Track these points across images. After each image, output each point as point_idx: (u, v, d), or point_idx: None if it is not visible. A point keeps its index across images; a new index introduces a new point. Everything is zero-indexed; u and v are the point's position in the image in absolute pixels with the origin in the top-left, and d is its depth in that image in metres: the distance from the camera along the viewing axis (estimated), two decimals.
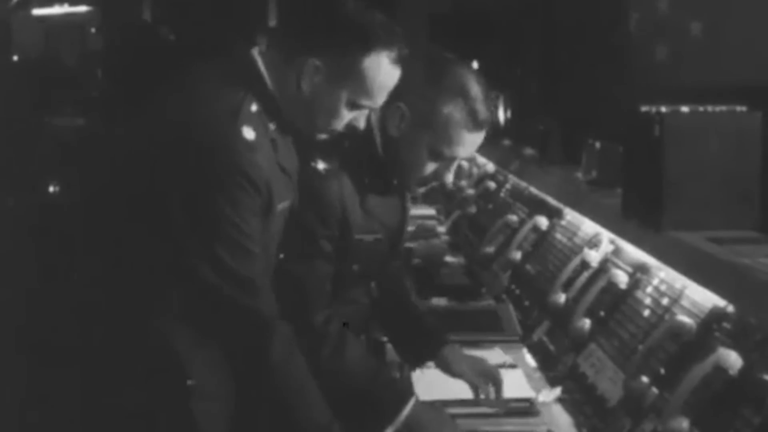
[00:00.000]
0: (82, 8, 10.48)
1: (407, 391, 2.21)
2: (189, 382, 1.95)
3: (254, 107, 1.94)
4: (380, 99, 2.03)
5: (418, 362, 2.47)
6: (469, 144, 2.22)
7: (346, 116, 2.02)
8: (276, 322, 1.95)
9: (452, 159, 2.23)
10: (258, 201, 1.92)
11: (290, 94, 1.98)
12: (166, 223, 1.89)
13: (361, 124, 2.06)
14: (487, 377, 2.34)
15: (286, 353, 1.94)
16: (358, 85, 1.97)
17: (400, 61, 2.00)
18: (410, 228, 3.89)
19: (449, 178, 2.28)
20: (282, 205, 2.00)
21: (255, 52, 2.02)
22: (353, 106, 2.00)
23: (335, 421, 1.98)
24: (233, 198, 1.88)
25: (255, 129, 1.92)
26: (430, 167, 2.23)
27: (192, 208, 1.88)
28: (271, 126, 1.97)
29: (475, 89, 2.19)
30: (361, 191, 2.23)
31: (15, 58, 9.57)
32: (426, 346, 2.44)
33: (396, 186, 2.32)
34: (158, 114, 2.01)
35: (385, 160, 2.24)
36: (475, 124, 2.19)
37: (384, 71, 1.98)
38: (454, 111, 2.17)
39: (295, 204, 2.09)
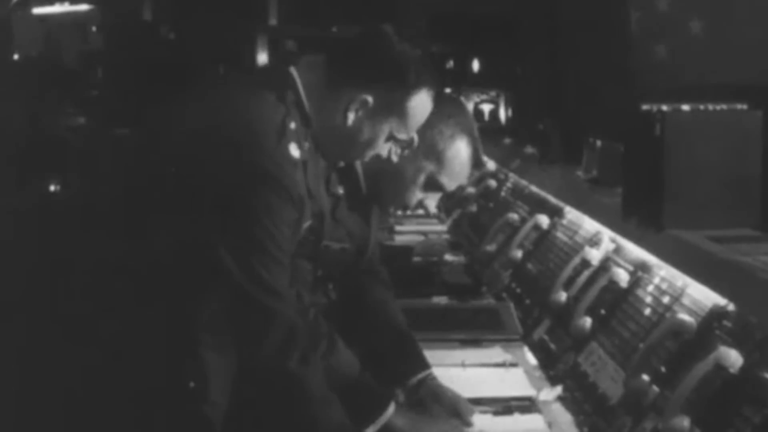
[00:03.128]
0: (83, 7, 10.48)
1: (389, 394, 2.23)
2: (191, 384, 1.97)
3: (293, 125, 1.96)
4: (413, 133, 2.10)
5: (394, 383, 2.39)
6: (463, 179, 2.38)
7: (382, 148, 2.08)
8: (301, 328, 1.98)
9: (444, 191, 2.35)
10: (294, 216, 1.96)
11: (330, 122, 2.02)
12: (203, 229, 1.90)
13: (384, 153, 2.11)
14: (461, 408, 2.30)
15: (306, 358, 1.97)
16: (401, 120, 2.04)
17: (437, 99, 2.08)
18: (419, 239, 3.92)
19: (432, 207, 2.38)
20: (306, 224, 2.03)
21: (294, 72, 2.03)
22: (389, 139, 2.06)
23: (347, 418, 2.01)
24: (273, 211, 1.91)
25: (299, 147, 1.95)
26: (420, 195, 2.34)
27: (234, 219, 1.90)
28: (306, 145, 1.99)
29: (476, 129, 2.34)
30: (333, 199, 2.25)
31: (15, 56, 9.57)
32: (407, 367, 2.40)
33: (363, 199, 2.36)
34: (198, 124, 1.98)
35: (364, 171, 2.30)
36: (476, 162, 2.34)
37: (425, 107, 2.06)
38: (462, 147, 2.30)
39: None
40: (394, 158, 2.12)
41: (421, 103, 2.04)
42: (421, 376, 2.37)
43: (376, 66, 2.00)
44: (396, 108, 2.02)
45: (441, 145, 2.28)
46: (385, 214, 2.52)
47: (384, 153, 2.10)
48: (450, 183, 2.33)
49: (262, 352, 1.94)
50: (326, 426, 1.98)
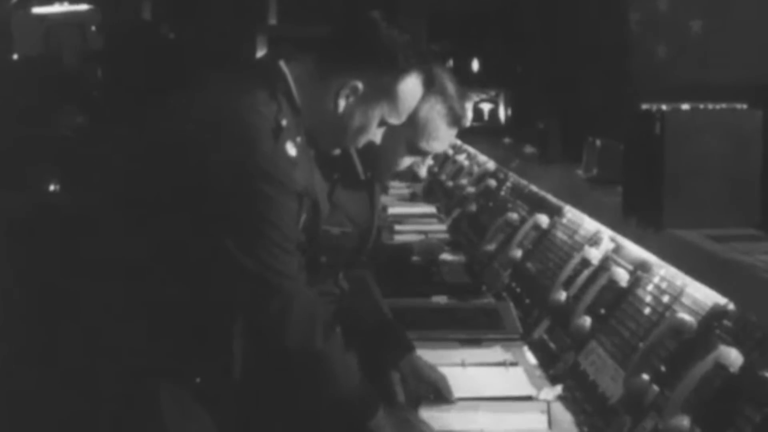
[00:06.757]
0: (83, 7, 10.49)
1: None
2: (197, 380, 2.01)
3: (284, 122, 1.97)
4: (404, 118, 2.11)
5: (382, 368, 2.42)
6: (445, 140, 2.38)
7: (374, 134, 2.09)
8: (318, 304, 2.05)
9: (428, 153, 2.37)
10: (294, 208, 1.98)
11: (321, 111, 2.03)
12: (208, 226, 1.93)
13: (377, 139, 2.13)
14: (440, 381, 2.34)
15: (327, 332, 2.02)
16: (392, 104, 2.05)
17: (427, 82, 2.08)
18: (419, 238, 3.92)
19: (423, 172, 2.45)
20: (303, 218, 2.04)
21: (283, 65, 2.04)
22: (381, 124, 2.08)
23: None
24: (274, 206, 1.93)
25: (294, 145, 1.96)
26: (407, 161, 2.38)
27: (237, 216, 1.93)
28: (297, 140, 2.00)
29: (452, 87, 2.33)
30: (330, 184, 2.27)
31: (15, 56, 9.57)
32: (391, 353, 2.43)
33: (365, 181, 2.38)
34: (193, 125, 1.98)
35: (357, 152, 2.31)
36: (453, 121, 2.34)
37: (415, 91, 2.07)
38: (433, 108, 2.30)
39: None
40: (377, 139, 2.13)
41: (411, 87, 2.05)
42: (407, 356, 2.40)
43: (364, 51, 2.02)
44: (386, 92, 2.03)
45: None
46: (382, 186, 2.53)
47: (377, 139, 2.11)
48: (429, 146, 2.34)
49: (287, 337, 1.97)
50: (346, 396, 2.03)
